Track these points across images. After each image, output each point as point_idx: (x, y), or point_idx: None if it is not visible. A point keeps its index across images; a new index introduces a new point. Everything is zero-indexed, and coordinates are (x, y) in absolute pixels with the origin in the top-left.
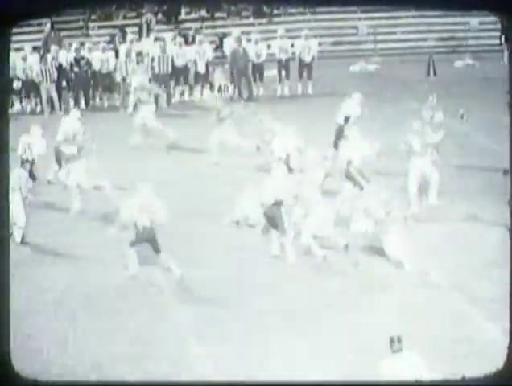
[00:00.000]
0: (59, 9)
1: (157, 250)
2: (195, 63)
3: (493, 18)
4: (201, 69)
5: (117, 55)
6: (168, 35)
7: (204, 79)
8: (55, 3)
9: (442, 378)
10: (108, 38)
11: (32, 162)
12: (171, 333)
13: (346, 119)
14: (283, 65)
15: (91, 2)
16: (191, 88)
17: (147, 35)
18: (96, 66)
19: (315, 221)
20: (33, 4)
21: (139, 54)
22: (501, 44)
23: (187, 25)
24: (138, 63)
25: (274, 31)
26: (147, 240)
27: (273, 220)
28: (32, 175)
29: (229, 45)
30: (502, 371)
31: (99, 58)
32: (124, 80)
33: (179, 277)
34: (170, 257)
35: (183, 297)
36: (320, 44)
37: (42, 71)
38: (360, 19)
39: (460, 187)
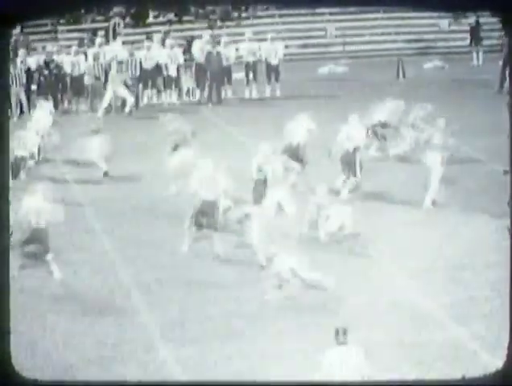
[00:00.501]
0: (59, 9)
1: (46, 252)
2: (166, 66)
3: (462, 20)
4: (172, 72)
5: (86, 59)
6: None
7: (174, 82)
8: (55, 4)
9: (384, 378)
10: (76, 41)
11: None
12: (138, 335)
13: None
14: (251, 68)
15: (91, 2)
16: (159, 92)
17: (114, 39)
18: (67, 69)
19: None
20: (33, 5)
21: (120, 62)
22: (471, 46)
23: (155, 28)
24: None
25: (242, 34)
26: (38, 240)
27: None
28: None
29: (200, 48)
30: (502, 371)
31: (69, 61)
32: (93, 83)
33: (59, 281)
34: (54, 260)
35: (148, 299)
36: (287, 47)
37: (11, 74)
38: (328, 21)
39: (460, 187)
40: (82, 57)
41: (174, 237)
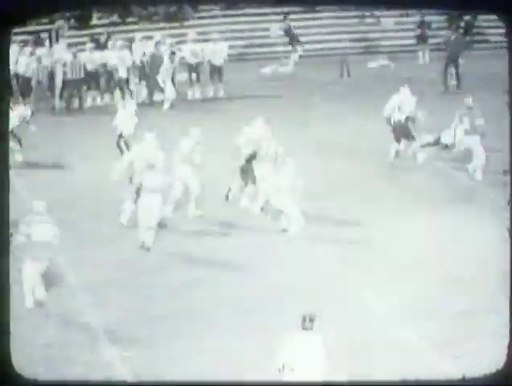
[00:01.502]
0: (59, 9)
1: None
2: (114, 68)
3: (409, 19)
4: (122, 74)
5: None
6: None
7: (123, 84)
8: (55, 4)
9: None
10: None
11: None
12: (84, 336)
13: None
14: (194, 69)
15: (91, 2)
16: (103, 93)
17: (57, 41)
18: (19, 70)
19: None
20: (33, 4)
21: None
22: (417, 44)
23: (99, 30)
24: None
25: (185, 35)
26: None
27: None
28: None
29: (145, 49)
30: (502, 371)
31: (24, 63)
32: (39, 84)
33: None
34: None
35: (94, 300)
36: (230, 47)
37: None
38: (272, 21)
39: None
40: (33, 58)
41: (119, 237)
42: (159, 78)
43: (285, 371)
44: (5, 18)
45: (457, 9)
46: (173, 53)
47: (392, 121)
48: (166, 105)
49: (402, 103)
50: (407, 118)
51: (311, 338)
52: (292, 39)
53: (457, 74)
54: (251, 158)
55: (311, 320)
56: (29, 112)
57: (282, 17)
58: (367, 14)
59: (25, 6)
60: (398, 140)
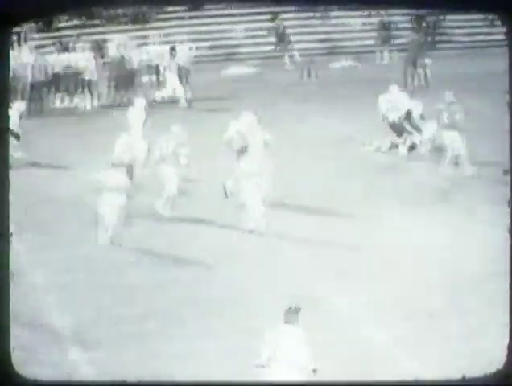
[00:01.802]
0: (59, 9)
1: None
2: (82, 70)
3: (374, 19)
4: (90, 76)
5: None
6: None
7: (90, 86)
8: (55, 4)
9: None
10: None
11: None
12: (51, 337)
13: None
14: (159, 70)
15: (91, 2)
16: (71, 95)
17: (25, 43)
18: None
19: None
20: (34, 4)
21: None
22: (380, 45)
23: (65, 32)
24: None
25: (151, 37)
26: None
27: None
28: None
29: (111, 51)
30: (502, 371)
31: None
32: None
33: None
34: None
35: (61, 301)
36: (196, 48)
37: None
38: (237, 23)
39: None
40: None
41: (87, 239)
42: (167, 77)
43: (269, 366)
44: (5, 18)
45: (457, 9)
46: (173, 49)
47: (391, 120)
48: (182, 104)
49: (395, 101)
50: (404, 114)
51: (293, 332)
52: (282, 39)
53: (425, 75)
54: (242, 150)
55: (296, 312)
56: None
57: (246, 18)
58: (331, 14)
59: (25, 6)
60: (399, 135)
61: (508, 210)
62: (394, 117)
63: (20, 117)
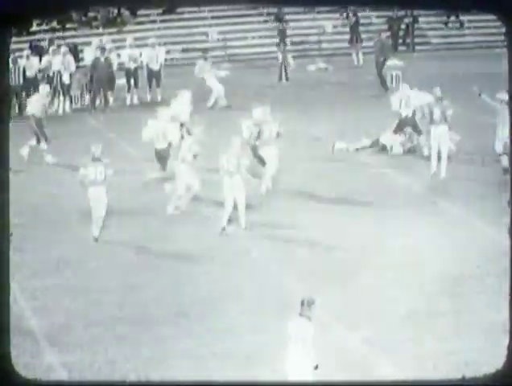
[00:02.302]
0: (59, 9)
1: None
2: (58, 73)
3: (345, 21)
4: (66, 80)
5: None
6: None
7: (68, 89)
8: (56, 3)
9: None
10: None
11: None
12: (24, 340)
13: None
14: (132, 74)
15: (91, 2)
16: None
17: None
18: None
19: None
20: (33, 4)
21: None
22: (351, 47)
23: (39, 36)
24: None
25: (124, 40)
26: None
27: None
28: None
29: (89, 54)
30: (502, 371)
31: None
32: None
33: None
34: None
35: (34, 305)
36: (168, 52)
37: None
38: (210, 25)
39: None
40: None
41: (59, 242)
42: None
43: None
44: (5, 18)
45: (456, 9)
46: (205, 50)
47: (404, 116)
48: (222, 104)
49: (407, 98)
50: (414, 112)
51: (302, 325)
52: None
53: (397, 75)
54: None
55: (309, 305)
56: None
57: (219, 21)
58: (306, 17)
59: (25, 6)
60: (396, 132)
61: (508, 210)
62: (407, 112)
63: None
